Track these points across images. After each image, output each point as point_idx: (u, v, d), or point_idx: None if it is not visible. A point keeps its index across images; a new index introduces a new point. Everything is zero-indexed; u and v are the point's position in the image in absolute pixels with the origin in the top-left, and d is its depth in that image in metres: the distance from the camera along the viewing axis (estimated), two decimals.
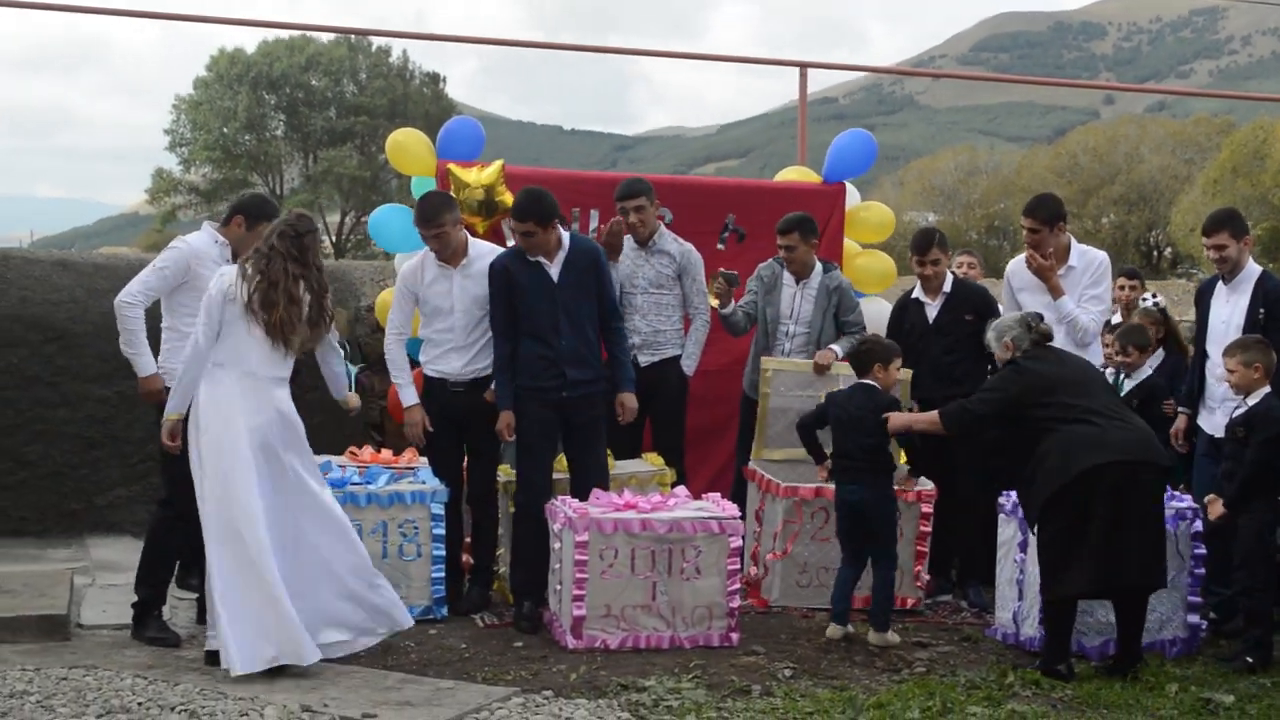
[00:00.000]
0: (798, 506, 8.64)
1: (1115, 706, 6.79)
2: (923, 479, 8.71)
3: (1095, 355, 9.04)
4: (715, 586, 7.75)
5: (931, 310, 9.29)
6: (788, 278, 9.51)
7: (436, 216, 8.23)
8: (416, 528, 8.11)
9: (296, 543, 7.10)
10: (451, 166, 10.06)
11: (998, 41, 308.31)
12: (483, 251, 8.43)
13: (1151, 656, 7.62)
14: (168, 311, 7.87)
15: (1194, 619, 7.99)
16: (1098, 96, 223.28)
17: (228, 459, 6.95)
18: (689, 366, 9.39)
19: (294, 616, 6.85)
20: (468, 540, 8.61)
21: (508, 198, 10.04)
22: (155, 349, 7.86)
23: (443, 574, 8.19)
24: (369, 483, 8.17)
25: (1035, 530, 7.47)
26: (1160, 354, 9.82)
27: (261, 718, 6.13)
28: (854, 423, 7.95)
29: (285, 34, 67.79)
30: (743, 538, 7.94)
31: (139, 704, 6.29)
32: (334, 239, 64.90)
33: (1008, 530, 8.04)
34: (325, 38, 68.33)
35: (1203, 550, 7.96)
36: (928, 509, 8.66)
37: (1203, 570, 7.98)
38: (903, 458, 8.75)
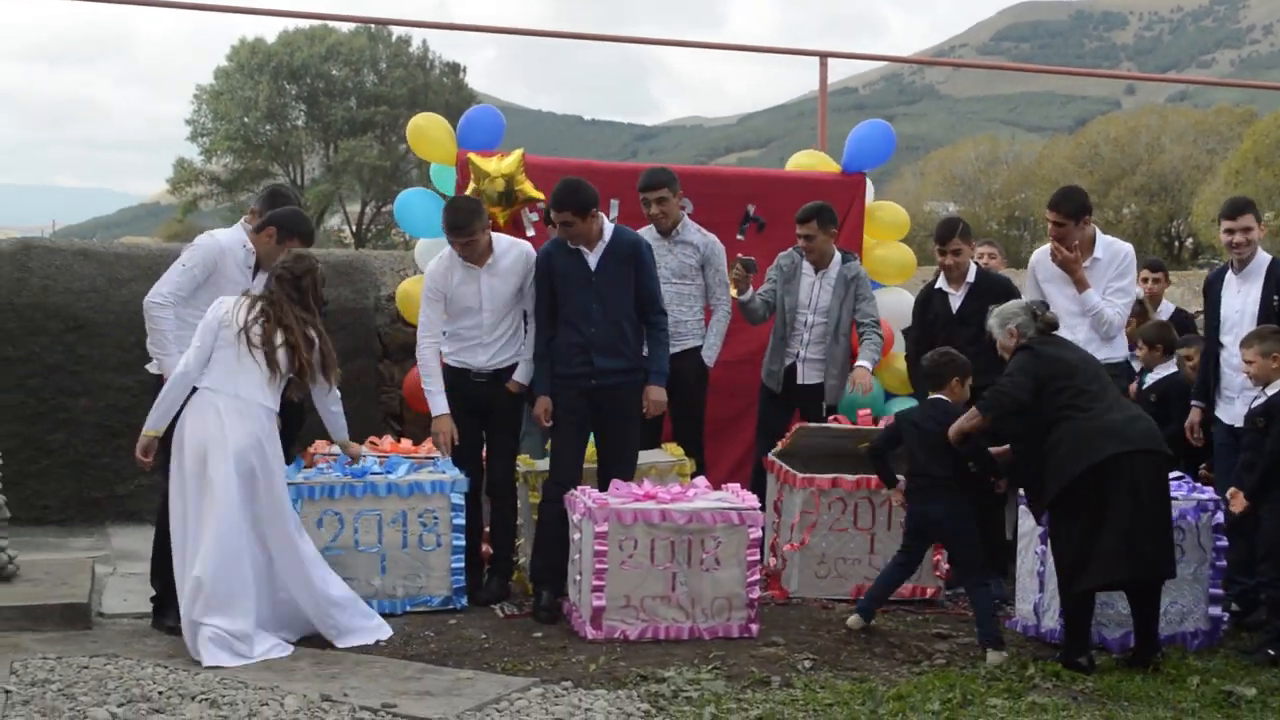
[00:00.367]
0: (815, 497, 8.63)
1: (1136, 699, 6.76)
2: None
3: (1120, 348, 9.00)
4: (735, 577, 7.74)
5: (955, 300, 9.26)
6: (807, 267, 9.51)
7: (468, 225, 8.19)
8: (436, 517, 8.12)
9: (267, 565, 7.31)
10: (472, 156, 10.07)
11: (1018, 31, 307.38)
12: (506, 248, 8.40)
13: (1173, 649, 7.58)
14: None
15: (1215, 611, 7.95)
16: (1119, 86, 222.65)
17: (209, 479, 7.09)
18: (710, 357, 9.38)
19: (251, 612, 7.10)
20: (486, 530, 8.61)
21: (528, 187, 10.05)
22: None
23: (462, 564, 8.19)
24: (389, 472, 8.17)
25: (1045, 519, 7.44)
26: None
27: (282, 707, 6.14)
28: (934, 439, 7.67)
29: (306, 24, 67.76)
30: (762, 529, 7.94)
31: (160, 693, 6.30)
32: (354, 229, 65.05)
33: (1028, 522, 8.01)
34: (346, 27, 68.40)
35: (1224, 542, 7.93)
36: None
37: (1224, 562, 7.94)
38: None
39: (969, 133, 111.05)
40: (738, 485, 8.18)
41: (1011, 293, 9.03)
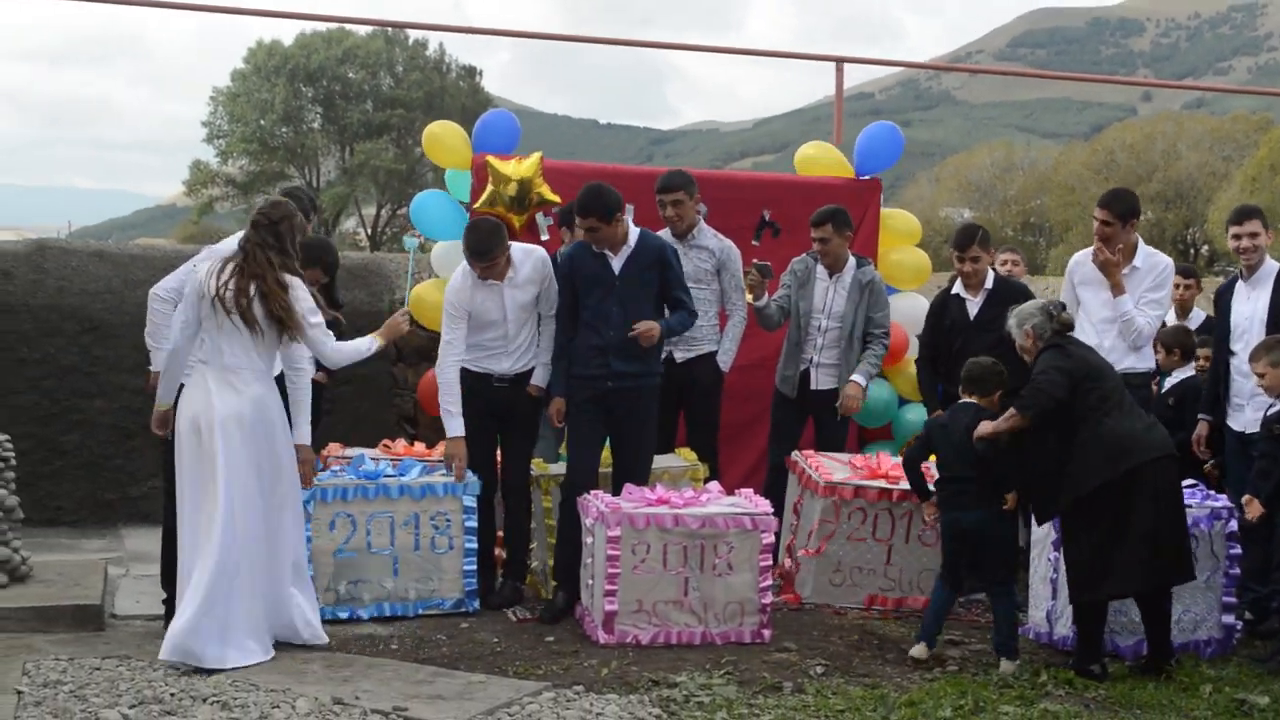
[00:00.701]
0: (836, 507, 8.59)
1: (1149, 707, 6.75)
2: None
3: (1148, 357, 8.91)
4: (747, 582, 7.73)
5: (973, 306, 9.25)
6: (821, 271, 9.50)
7: (490, 251, 8.16)
8: (449, 520, 8.12)
9: (272, 535, 7.19)
10: (489, 159, 10.07)
11: (1035, 37, 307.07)
12: (522, 258, 8.35)
13: (1186, 657, 7.57)
14: None
15: (1229, 619, 7.93)
16: (1135, 93, 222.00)
17: (205, 458, 6.99)
18: (725, 362, 9.37)
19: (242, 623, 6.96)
20: (500, 534, 8.60)
21: (545, 191, 10.06)
22: None
23: (475, 567, 8.19)
24: (402, 474, 8.17)
25: (1057, 525, 7.41)
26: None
27: (293, 709, 6.14)
28: (967, 443, 7.53)
29: (322, 26, 67.89)
30: (776, 533, 7.92)
31: (171, 694, 6.31)
32: (369, 232, 65.11)
33: (1040, 529, 7.99)
34: (362, 30, 68.48)
35: (1238, 550, 7.91)
36: None
37: (1237, 570, 7.92)
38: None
39: (985, 138, 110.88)
40: (751, 490, 8.17)
41: (1029, 299, 9.00)
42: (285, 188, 9.15)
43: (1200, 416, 8.93)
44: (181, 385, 7.16)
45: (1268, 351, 7.89)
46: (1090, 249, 8.94)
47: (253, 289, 7.05)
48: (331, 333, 7.41)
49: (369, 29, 68.66)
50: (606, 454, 8.46)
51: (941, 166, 79.40)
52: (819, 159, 11.40)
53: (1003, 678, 7.13)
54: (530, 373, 8.45)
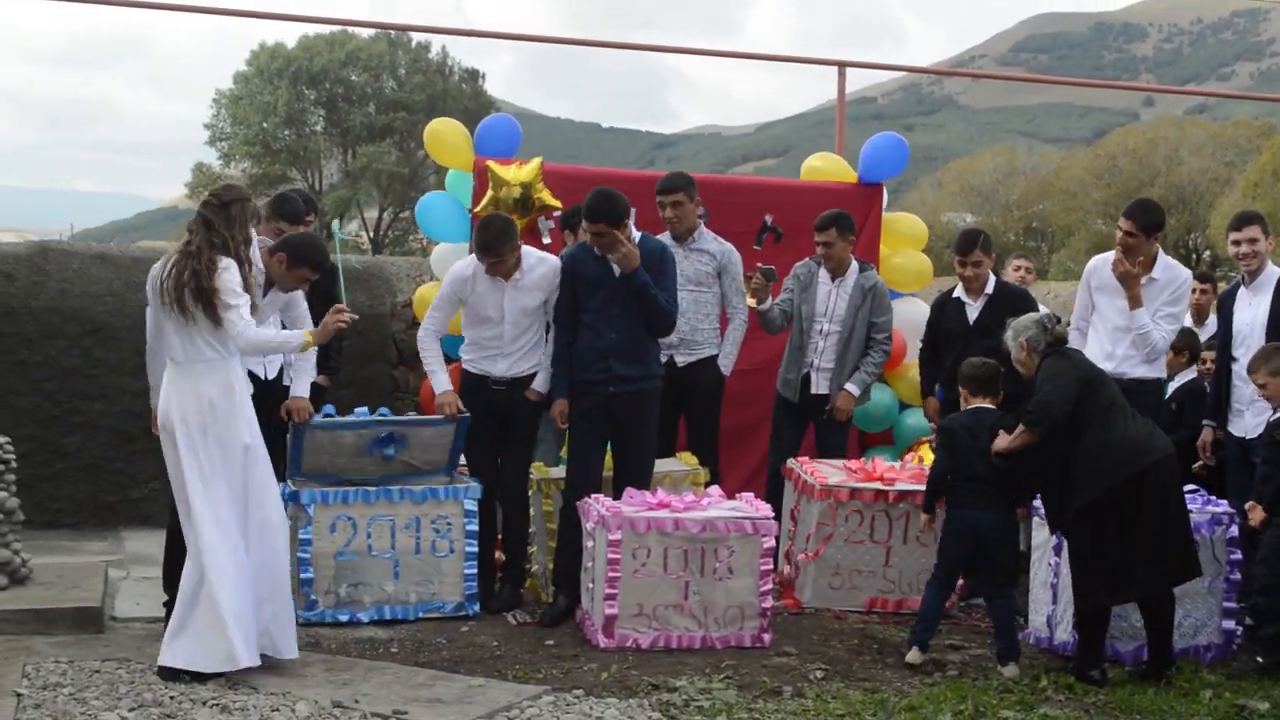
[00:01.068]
0: (832, 509, 8.60)
1: (1149, 712, 6.75)
2: None
3: (1160, 367, 8.88)
4: (748, 587, 7.73)
5: (972, 311, 9.26)
6: (823, 275, 9.51)
7: (495, 248, 8.16)
8: (449, 523, 8.13)
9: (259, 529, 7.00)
10: (490, 163, 10.08)
11: (1037, 42, 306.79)
12: (534, 263, 8.35)
13: (1186, 662, 7.56)
14: None
15: (1229, 625, 7.93)
16: (1137, 98, 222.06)
17: (178, 456, 6.88)
18: (726, 366, 9.39)
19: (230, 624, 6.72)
20: (500, 537, 8.60)
21: (546, 195, 10.07)
22: None
23: (475, 570, 8.19)
24: (399, 424, 8.25)
25: (1066, 531, 7.40)
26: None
27: (293, 713, 6.15)
28: (987, 445, 7.52)
29: (325, 29, 68.00)
30: (776, 538, 7.92)
31: (171, 697, 6.31)
32: (372, 235, 65.09)
33: (1042, 534, 7.99)
34: (365, 33, 68.56)
35: (1238, 555, 7.90)
36: None
37: (1238, 575, 7.92)
38: None
39: (987, 143, 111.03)
40: (751, 494, 8.16)
41: (1030, 306, 8.98)
42: (280, 192, 9.14)
43: (1205, 423, 8.94)
44: None
45: (1266, 361, 7.89)
46: (1109, 254, 8.88)
47: (187, 274, 6.80)
48: (251, 319, 6.90)
49: (372, 32, 68.77)
50: (607, 457, 8.46)
51: (944, 171, 79.45)
52: (825, 170, 11.42)
53: (1003, 682, 7.13)
54: (530, 378, 8.44)
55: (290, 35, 76.28)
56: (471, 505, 8.16)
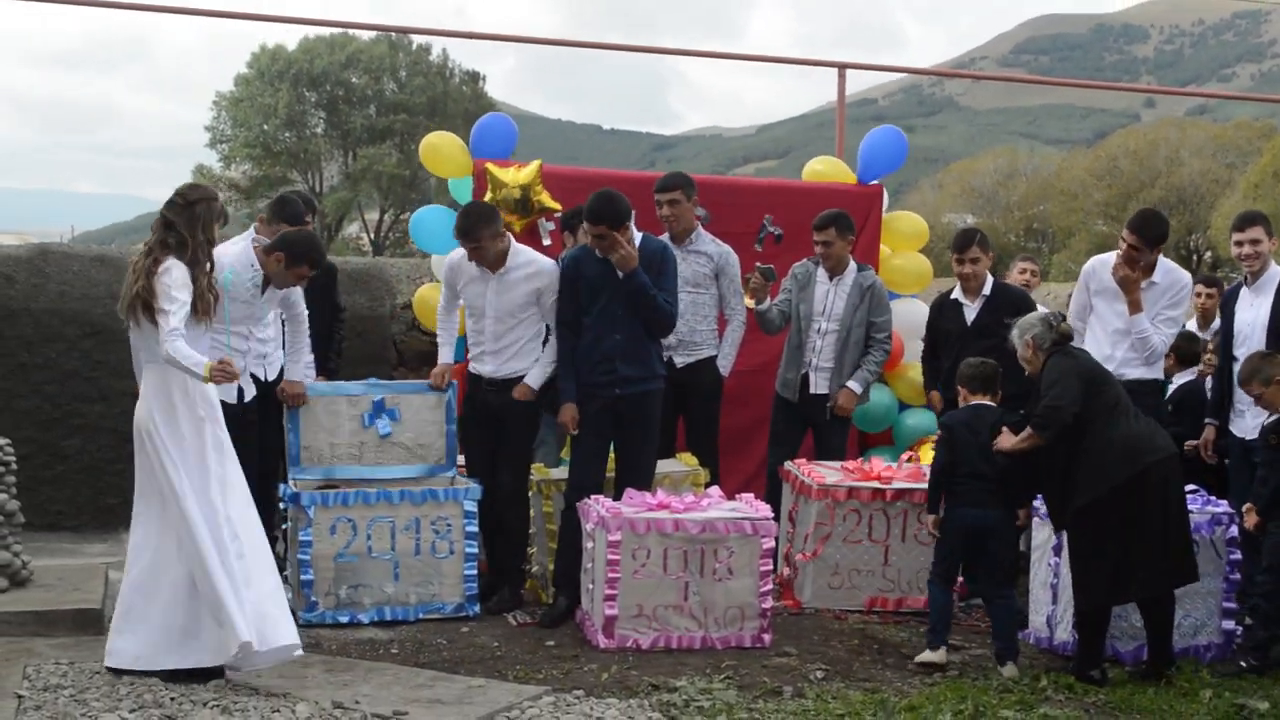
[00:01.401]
0: (830, 509, 8.61)
1: (1148, 712, 6.76)
2: None
3: (1156, 368, 8.85)
4: (748, 587, 7.74)
5: (970, 311, 9.26)
6: (821, 274, 9.52)
7: (473, 231, 8.19)
8: (449, 525, 8.13)
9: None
10: (489, 166, 10.08)
11: (1038, 43, 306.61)
12: (523, 261, 8.36)
13: (1186, 662, 7.57)
14: None
15: (1229, 625, 7.93)
16: (1138, 99, 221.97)
17: (159, 455, 6.84)
18: (725, 367, 9.39)
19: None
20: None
21: (545, 197, 10.07)
22: None
23: (475, 571, 8.20)
24: (392, 392, 8.33)
25: (1067, 530, 7.40)
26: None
27: (294, 714, 6.15)
28: (989, 443, 7.52)
29: (326, 31, 67.94)
30: (776, 539, 7.93)
31: (171, 699, 6.31)
32: (372, 237, 65.10)
33: (1042, 534, 7.99)
34: (366, 35, 68.55)
35: (1238, 556, 7.91)
36: None
37: (1238, 576, 7.92)
38: None
39: (988, 145, 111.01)
40: (751, 495, 8.17)
41: (1029, 307, 8.98)
42: (280, 193, 9.16)
43: (1207, 421, 8.94)
44: None
45: (1256, 373, 7.88)
46: (1108, 255, 8.88)
47: (140, 280, 6.64)
48: (180, 329, 6.58)
49: (372, 34, 68.74)
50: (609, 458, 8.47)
51: (945, 173, 79.39)
52: (826, 174, 11.42)
53: (1003, 682, 7.13)
54: (519, 379, 8.39)
55: (291, 37, 76.40)
56: (471, 506, 8.17)
